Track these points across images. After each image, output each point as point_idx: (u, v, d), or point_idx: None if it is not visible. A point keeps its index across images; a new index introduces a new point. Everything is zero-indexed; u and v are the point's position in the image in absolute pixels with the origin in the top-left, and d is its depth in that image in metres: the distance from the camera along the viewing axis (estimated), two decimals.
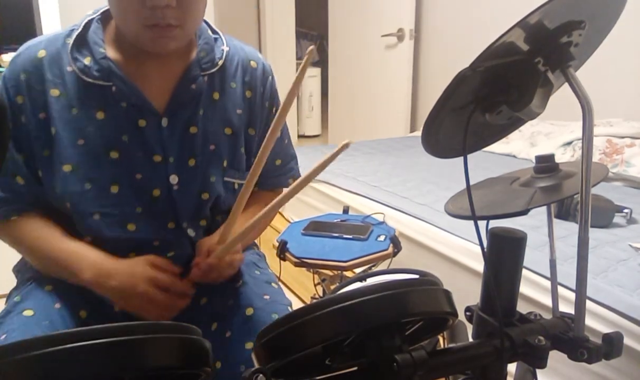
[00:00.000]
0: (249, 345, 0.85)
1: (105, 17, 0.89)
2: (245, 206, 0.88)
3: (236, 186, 0.99)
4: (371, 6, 3.58)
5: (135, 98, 0.86)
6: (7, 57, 2.05)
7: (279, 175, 1.08)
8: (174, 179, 0.90)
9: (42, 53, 0.86)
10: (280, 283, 1.05)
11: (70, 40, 0.86)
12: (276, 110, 1.03)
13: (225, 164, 0.95)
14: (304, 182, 0.76)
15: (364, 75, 3.77)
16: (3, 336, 0.80)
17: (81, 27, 0.87)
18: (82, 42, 0.87)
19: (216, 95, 0.94)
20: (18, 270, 1.01)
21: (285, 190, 0.78)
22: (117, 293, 0.85)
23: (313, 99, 5.41)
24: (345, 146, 0.68)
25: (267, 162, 0.97)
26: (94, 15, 0.89)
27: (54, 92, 0.85)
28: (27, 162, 0.86)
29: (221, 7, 4.00)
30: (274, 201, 0.79)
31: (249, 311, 0.90)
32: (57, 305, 0.86)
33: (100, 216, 0.87)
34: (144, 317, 0.86)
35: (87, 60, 0.85)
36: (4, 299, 0.92)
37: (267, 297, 0.95)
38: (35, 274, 0.92)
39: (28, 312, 0.83)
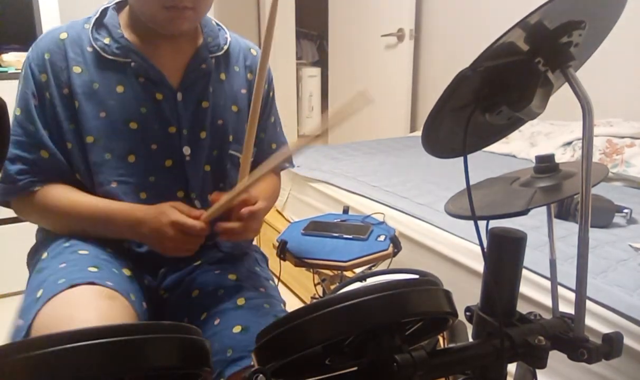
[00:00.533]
0: (237, 328, 0.85)
1: (119, 7, 0.97)
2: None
3: (240, 160, 1.03)
4: (371, 6, 3.58)
5: (153, 73, 0.94)
6: (7, 57, 2.05)
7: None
8: (186, 150, 0.97)
9: (63, 35, 0.93)
10: (279, 283, 1.05)
11: (89, 26, 0.94)
12: (273, 94, 1.13)
13: (231, 138, 1.03)
14: (312, 140, 0.80)
15: (364, 75, 3.76)
16: (63, 264, 0.84)
17: (98, 13, 0.95)
18: (100, 25, 0.95)
19: (223, 76, 1.03)
20: (35, 252, 1.01)
21: (301, 140, 0.83)
22: (148, 239, 0.90)
23: (313, 99, 5.40)
24: (363, 95, 0.71)
25: (263, 144, 1.12)
26: (109, 5, 0.97)
27: (76, 69, 0.92)
28: (52, 137, 0.92)
29: (221, 7, 4.00)
30: (287, 151, 0.87)
31: (241, 301, 0.92)
32: (109, 250, 0.92)
33: (117, 184, 0.94)
34: (169, 254, 0.90)
35: (106, 40, 0.93)
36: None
37: (262, 289, 0.96)
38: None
39: (84, 251, 0.89)
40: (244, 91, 1.06)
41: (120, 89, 0.93)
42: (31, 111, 0.91)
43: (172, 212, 0.87)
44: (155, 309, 0.96)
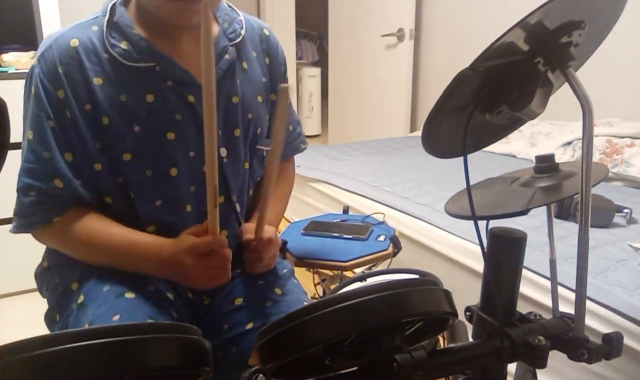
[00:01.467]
0: None
1: (126, 1, 0.88)
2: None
3: (264, 153, 1.00)
4: (371, 6, 3.58)
5: (181, 73, 0.86)
6: (7, 57, 2.05)
7: (293, 141, 1.11)
8: (223, 152, 0.91)
9: (74, 42, 0.83)
10: None
11: (97, 28, 0.85)
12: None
13: (259, 131, 0.97)
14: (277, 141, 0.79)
15: (364, 75, 3.77)
16: (116, 317, 0.77)
17: (107, 13, 0.85)
18: (112, 27, 0.85)
19: (245, 65, 0.96)
20: (46, 268, 0.95)
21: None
22: (177, 278, 0.84)
23: (313, 99, 5.40)
24: (284, 90, 0.73)
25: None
26: (115, 0, 0.87)
27: (97, 81, 0.83)
28: (76, 160, 0.84)
29: None
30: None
31: None
32: (151, 288, 0.85)
33: (163, 202, 0.87)
34: (204, 286, 0.83)
35: (124, 45, 0.84)
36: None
37: (306, 303, 0.95)
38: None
39: (130, 295, 0.81)
40: (264, 79, 0.99)
41: (150, 97, 0.84)
42: (46, 135, 0.82)
43: (186, 240, 0.80)
44: (197, 320, 0.93)
